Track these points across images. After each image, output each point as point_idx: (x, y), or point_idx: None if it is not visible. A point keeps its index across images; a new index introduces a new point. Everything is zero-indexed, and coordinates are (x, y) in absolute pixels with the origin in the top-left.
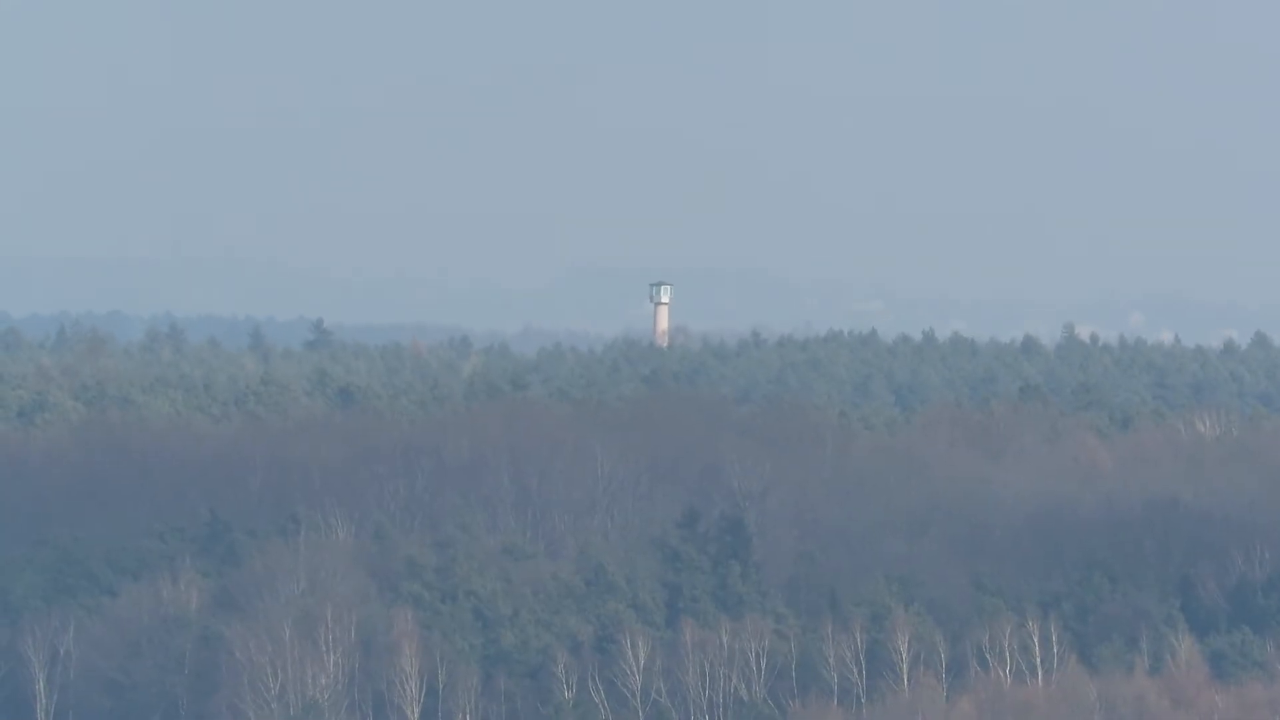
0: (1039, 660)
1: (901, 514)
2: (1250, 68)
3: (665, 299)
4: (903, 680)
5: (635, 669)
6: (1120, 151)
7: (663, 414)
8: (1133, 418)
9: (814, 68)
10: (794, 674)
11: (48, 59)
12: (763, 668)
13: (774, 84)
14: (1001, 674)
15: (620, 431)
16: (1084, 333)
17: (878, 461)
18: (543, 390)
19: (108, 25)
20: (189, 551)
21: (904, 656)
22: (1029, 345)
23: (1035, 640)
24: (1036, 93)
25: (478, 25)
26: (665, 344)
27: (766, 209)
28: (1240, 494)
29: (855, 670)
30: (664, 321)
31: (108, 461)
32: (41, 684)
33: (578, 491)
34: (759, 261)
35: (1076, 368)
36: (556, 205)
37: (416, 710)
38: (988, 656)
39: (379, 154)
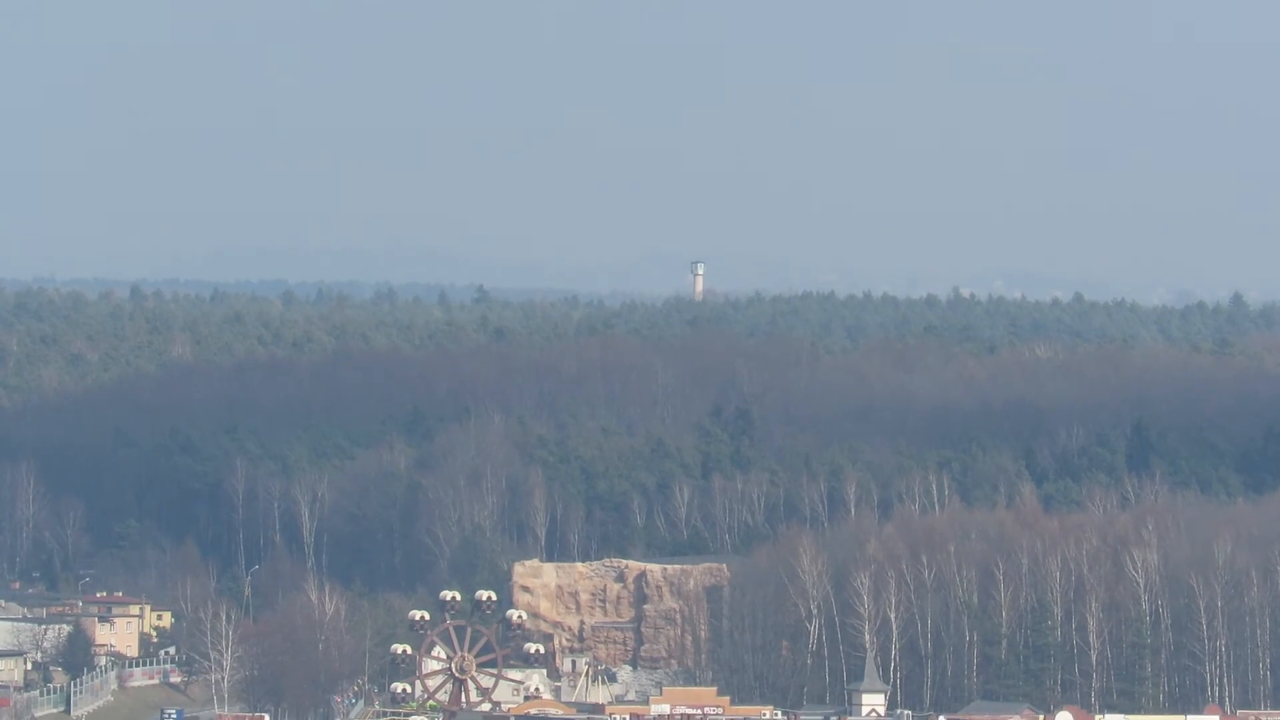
0: (936, 500)
1: (851, 408)
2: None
3: (700, 272)
4: (850, 513)
5: (681, 505)
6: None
7: (699, 345)
8: (996, 347)
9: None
10: (781, 509)
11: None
12: (762, 504)
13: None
14: (913, 509)
15: (672, 356)
16: (965, 293)
17: (836, 375)
18: (623, 330)
19: None
20: (400, 431)
21: (851, 498)
22: (931, 301)
23: (934, 488)
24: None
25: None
26: (700, 300)
27: (767, 207)
28: (1063, 395)
29: (821, 506)
30: (700, 286)
31: (349, 375)
32: (306, 516)
33: (645, 393)
34: (761, 245)
35: (961, 315)
36: (636, 203)
37: (543, 533)
38: (904, 498)
39: (512, 156)
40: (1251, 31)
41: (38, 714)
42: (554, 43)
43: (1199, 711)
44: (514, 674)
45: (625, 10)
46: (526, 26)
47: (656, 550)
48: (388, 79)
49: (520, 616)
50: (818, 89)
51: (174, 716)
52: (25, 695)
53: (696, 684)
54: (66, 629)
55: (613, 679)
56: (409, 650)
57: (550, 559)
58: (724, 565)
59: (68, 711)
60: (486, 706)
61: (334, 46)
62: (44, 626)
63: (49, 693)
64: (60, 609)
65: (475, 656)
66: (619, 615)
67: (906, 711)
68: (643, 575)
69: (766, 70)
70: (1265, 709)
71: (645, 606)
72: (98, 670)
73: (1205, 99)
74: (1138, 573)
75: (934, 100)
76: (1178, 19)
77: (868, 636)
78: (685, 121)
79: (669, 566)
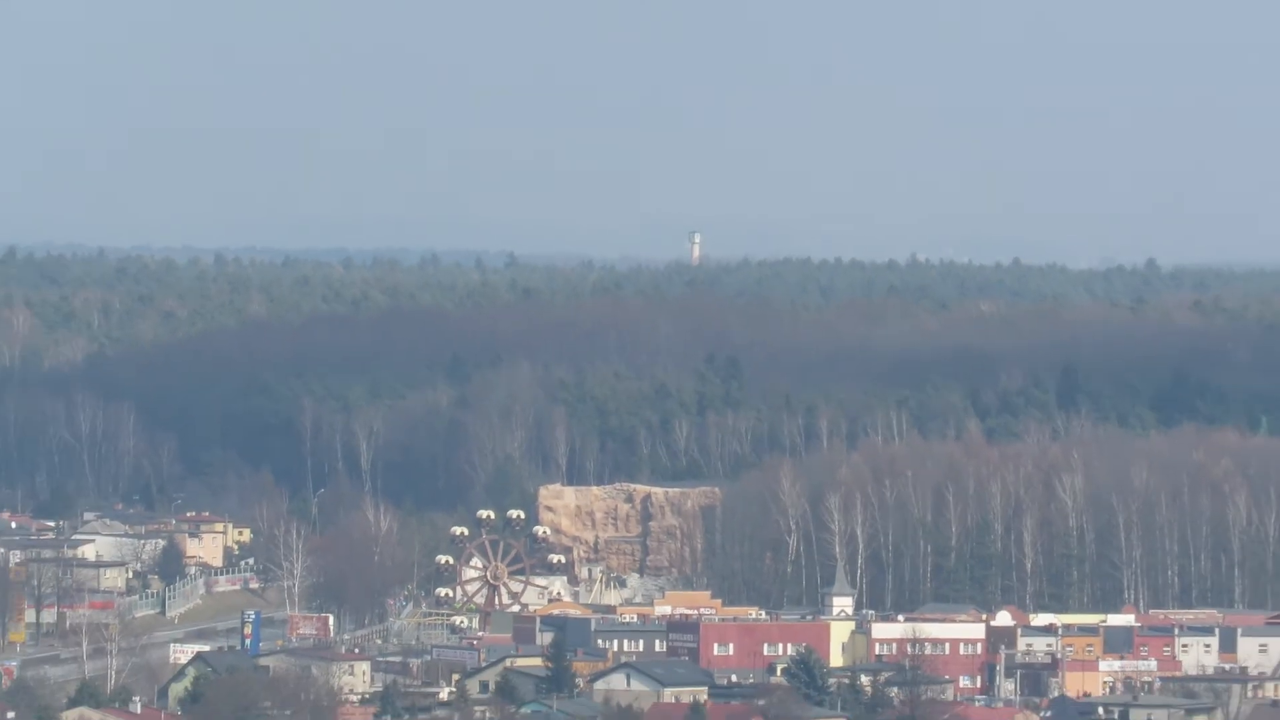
0: (896, 433)
1: (824, 356)
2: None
3: (697, 240)
4: (823, 444)
5: (681, 438)
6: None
7: (695, 303)
8: (947, 304)
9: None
10: (765, 441)
11: None
12: (749, 437)
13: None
14: (876, 440)
15: (672, 313)
16: (921, 258)
17: (813, 328)
18: (630, 290)
19: None
20: (442, 375)
21: (824, 432)
22: (892, 265)
23: (894, 422)
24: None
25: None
26: (697, 264)
27: (758, 180)
28: (1003, 344)
29: (799, 439)
30: (696, 252)
31: (399, 328)
32: (364, 447)
33: (649, 344)
34: (750, 213)
35: (918, 277)
36: (643, 176)
37: (564, 461)
38: (869, 431)
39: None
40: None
41: (138, 615)
42: (573, 25)
43: (1117, 610)
44: (539, 580)
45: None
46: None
47: (660, 476)
48: (426, 72)
49: (545, 532)
50: (810, 72)
51: (252, 617)
52: (127, 599)
53: (693, 589)
54: (162, 543)
55: (623, 584)
56: (450, 560)
57: (570, 483)
58: (717, 489)
59: (163, 613)
60: (516, 608)
61: (369, 47)
62: (143, 541)
63: (147, 597)
64: (156, 526)
65: (507, 566)
66: (628, 531)
67: (870, 611)
68: (648, 497)
69: (763, 55)
70: (1172, 608)
71: (650, 523)
72: (188, 578)
73: (1120, 97)
74: (1066, 494)
75: (902, 82)
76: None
77: (838, 548)
78: (691, 101)
79: (670, 490)
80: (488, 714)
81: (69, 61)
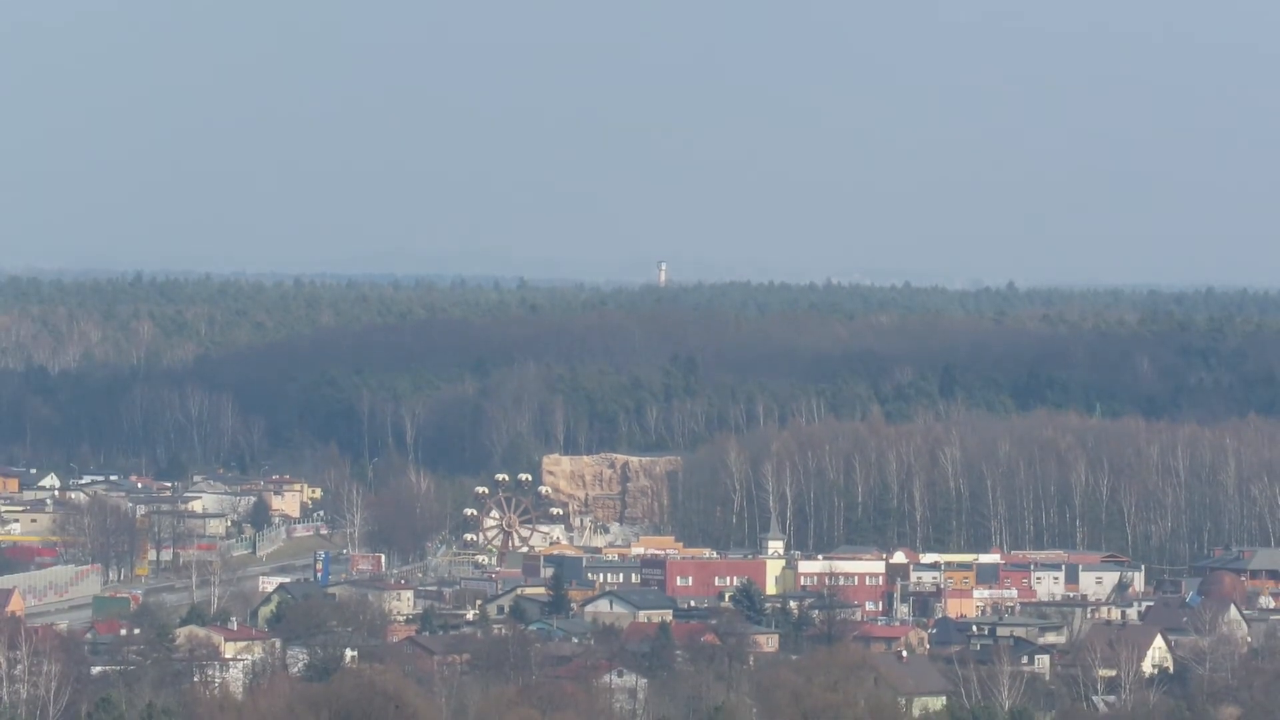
0: (816, 416)
1: (761, 355)
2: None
3: (663, 268)
4: (760, 424)
5: (652, 419)
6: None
7: (662, 315)
8: (854, 315)
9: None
10: (716, 421)
11: None
12: (703, 419)
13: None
14: (801, 421)
15: (645, 323)
16: (835, 281)
17: (752, 335)
18: (613, 306)
19: None
20: (469, 371)
21: (761, 414)
22: (812, 286)
23: (814, 407)
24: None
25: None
26: (663, 286)
27: (708, 219)
28: (897, 348)
29: (742, 420)
30: (663, 278)
31: (435, 335)
32: (408, 426)
33: (627, 347)
34: (703, 249)
35: (832, 295)
36: (621, 216)
37: (562, 437)
38: (795, 414)
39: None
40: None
41: (234, 554)
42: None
43: (987, 551)
44: (543, 528)
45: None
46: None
47: (635, 448)
48: (459, 125)
49: (547, 491)
50: (749, 138)
51: (322, 556)
52: (226, 542)
53: (661, 535)
54: (253, 499)
55: (607, 531)
56: (474, 512)
57: (566, 454)
58: (679, 458)
59: (254, 553)
60: (525, 549)
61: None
62: (238, 498)
63: (241, 541)
64: (249, 486)
65: (518, 517)
66: (611, 490)
67: (797, 552)
68: (626, 464)
69: (714, 120)
70: (1029, 549)
71: (628, 484)
72: (273, 526)
73: (980, 141)
74: (947, 462)
75: (827, 125)
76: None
77: (772, 503)
78: (659, 160)
79: (643, 458)
80: (503, 630)
81: (182, 114)
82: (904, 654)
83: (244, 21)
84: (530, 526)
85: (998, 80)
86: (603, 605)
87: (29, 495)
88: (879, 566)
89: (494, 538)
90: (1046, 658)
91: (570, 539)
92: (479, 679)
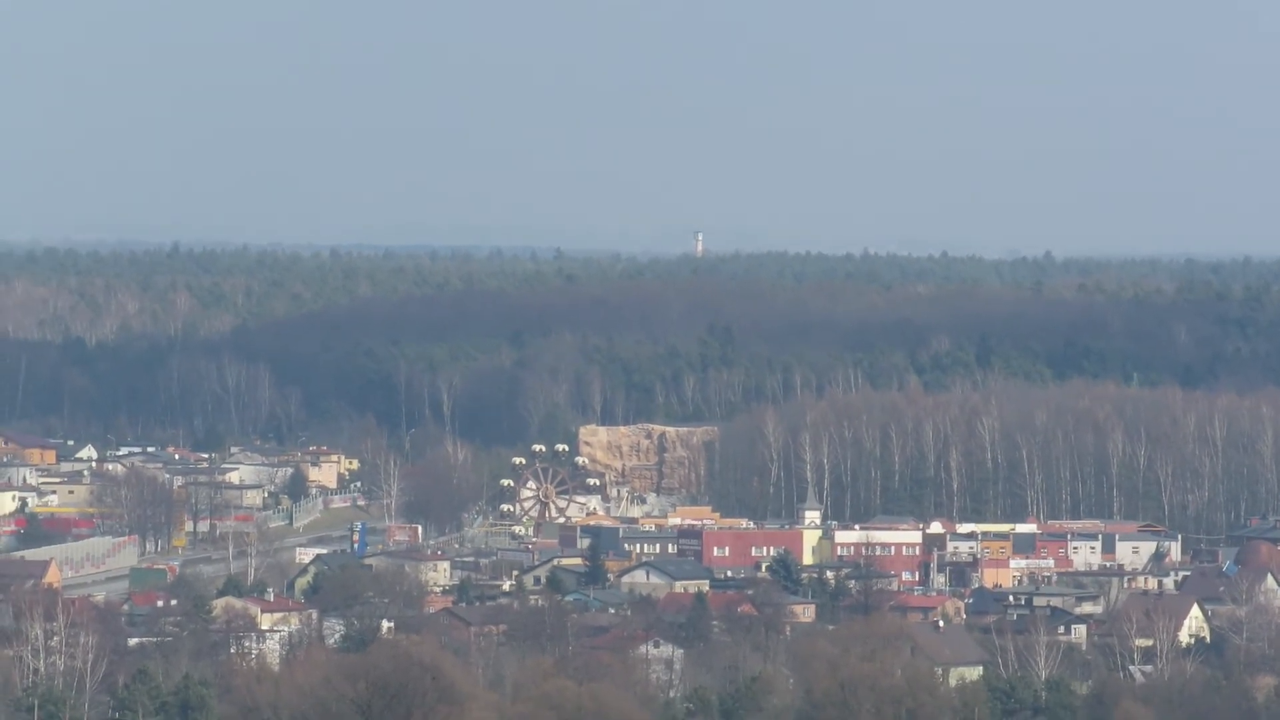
0: (853, 386)
1: (798, 325)
2: None
3: (700, 238)
4: (798, 394)
5: (689, 389)
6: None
7: (699, 286)
8: (891, 286)
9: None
10: (753, 392)
11: None
12: (740, 389)
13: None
14: (838, 392)
15: (682, 293)
16: (872, 251)
17: (789, 305)
18: (650, 276)
19: None
20: (506, 341)
21: (798, 384)
22: (849, 256)
23: (852, 378)
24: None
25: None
26: (700, 256)
27: (747, 187)
28: (935, 317)
29: (779, 390)
30: (700, 247)
31: (472, 305)
32: (445, 396)
33: (664, 317)
34: (741, 219)
35: (869, 265)
36: (658, 185)
37: (599, 407)
38: (832, 384)
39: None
40: None
41: (271, 525)
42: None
43: (1023, 521)
44: (580, 499)
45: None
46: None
47: (672, 418)
48: (494, 94)
49: (583, 461)
50: (791, 107)
51: (359, 527)
52: (263, 513)
53: (698, 505)
54: (290, 470)
55: (643, 501)
56: (511, 483)
57: (603, 424)
58: (716, 428)
59: (291, 524)
60: (561, 520)
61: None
62: (275, 469)
63: (278, 512)
64: (286, 458)
65: (554, 487)
66: (648, 460)
67: (834, 522)
68: (663, 435)
69: (754, 88)
70: (1065, 519)
71: (664, 454)
72: (310, 497)
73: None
74: (984, 432)
75: (860, 108)
76: None
77: (809, 474)
78: (698, 130)
79: (680, 429)
80: (540, 601)
81: (220, 85)
82: (941, 624)
83: None
84: (567, 497)
85: (1037, 49)
86: (639, 576)
87: (66, 467)
88: (916, 536)
89: (531, 508)
90: (1083, 628)
91: (607, 509)
92: (516, 650)
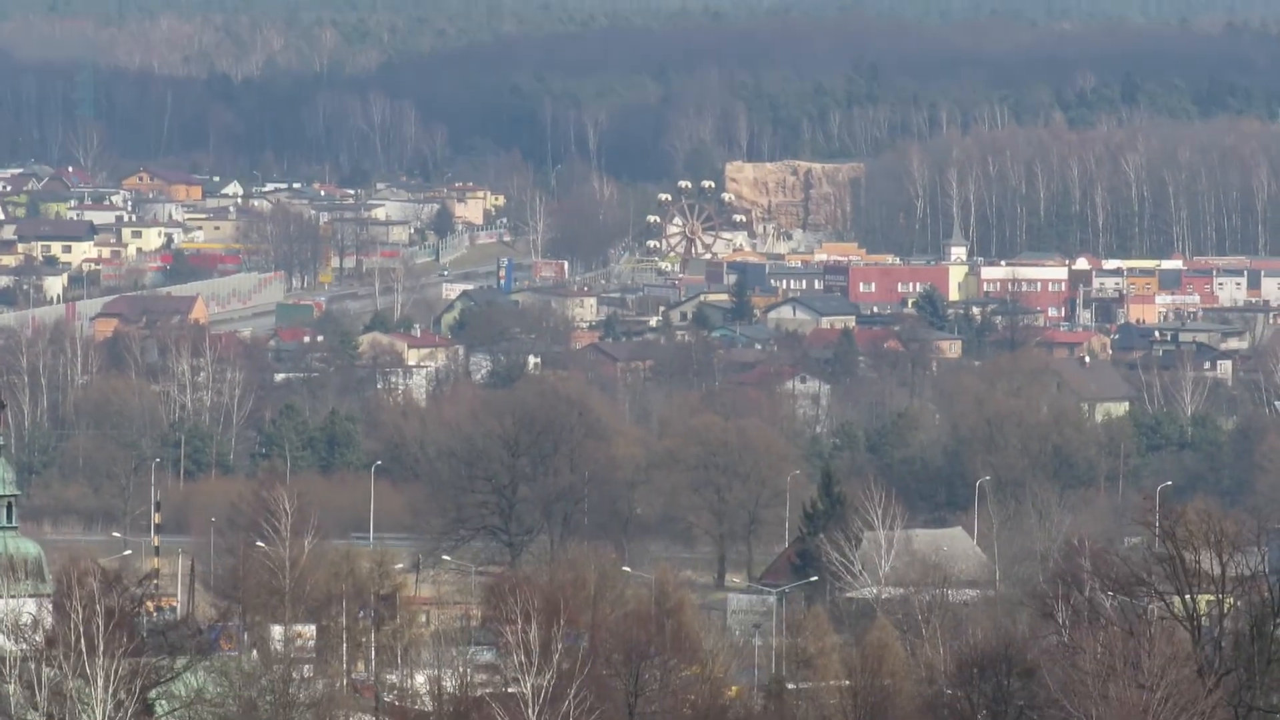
0: (999, 122)
1: (944, 61)
2: None
3: None
4: (943, 130)
5: (835, 126)
6: None
7: (845, 21)
8: (1037, 22)
9: None
10: (899, 128)
11: None
12: (885, 125)
13: None
14: (983, 128)
15: (828, 29)
16: None
17: (934, 41)
18: (797, 11)
19: None
20: (651, 77)
21: (944, 120)
22: None
23: (997, 114)
24: None
25: None
26: None
27: None
28: (1080, 54)
29: (925, 126)
30: None
31: (617, 42)
32: (591, 133)
33: (810, 53)
34: None
35: (993, 2)
36: None
37: (745, 145)
38: (978, 121)
39: None
40: None
41: (417, 261)
42: None
43: (1169, 257)
44: (726, 235)
45: None
46: None
47: (818, 154)
48: None
49: (730, 198)
50: None
51: (505, 263)
52: (409, 249)
53: (843, 241)
54: (436, 207)
55: (789, 238)
56: (658, 219)
57: (749, 160)
58: (862, 164)
59: (437, 260)
60: (708, 256)
61: None
62: (421, 205)
63: (425, 248)
64: (432, 194)
65: (701, 223)
66: (794, 197)
67: (980, 258)
68: (809, 171)
69: None
70: (1211, 255)
71: (810, 191)
72: (456, 233)
73: None
74: (1129, 169)
75: None
76: None
77: (954, 210)
78: None
79: (826, 165)
80: (687, 336)
81: None
82: (1086, 359)
83: None
84: (713, 233)
85: None
86: (785, 311)
87: (212, 203)
88: (1061, 273)
89: (677, 244)
90: (1229, 363)
91: (753, 245)
92: (662, 385)
